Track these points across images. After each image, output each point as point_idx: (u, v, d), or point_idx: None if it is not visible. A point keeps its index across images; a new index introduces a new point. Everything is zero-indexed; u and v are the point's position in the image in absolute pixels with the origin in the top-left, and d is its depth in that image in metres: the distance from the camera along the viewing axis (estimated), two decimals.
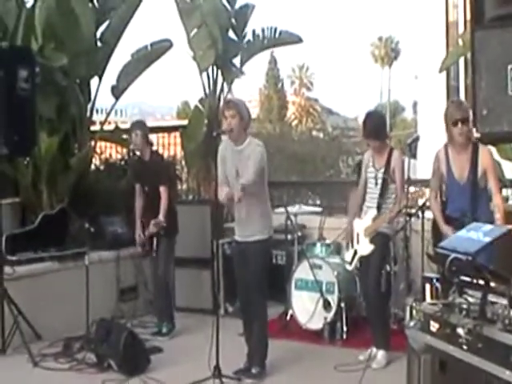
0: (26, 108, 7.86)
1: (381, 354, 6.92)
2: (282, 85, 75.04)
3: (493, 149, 7.43)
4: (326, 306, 7.74)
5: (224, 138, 6.99)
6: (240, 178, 6.51)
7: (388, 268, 8.21)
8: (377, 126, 7.17)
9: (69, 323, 7.76)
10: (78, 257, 8.21)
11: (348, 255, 7.35)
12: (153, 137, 9.15)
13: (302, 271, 8.05)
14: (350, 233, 7.33)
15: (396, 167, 7.04)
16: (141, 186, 8.37)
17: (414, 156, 7.13)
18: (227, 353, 6.56)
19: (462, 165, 6.25)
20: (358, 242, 7.22)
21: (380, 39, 75.94)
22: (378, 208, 7.07)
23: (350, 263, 7.29)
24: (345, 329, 7.70)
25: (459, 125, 6.02)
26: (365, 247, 7.11)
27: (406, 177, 6.86)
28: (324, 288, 7.85)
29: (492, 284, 4.00)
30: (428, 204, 7.15)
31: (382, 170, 7.09)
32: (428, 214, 8.55)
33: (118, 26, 10.69)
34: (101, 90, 10.64)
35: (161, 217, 8.02)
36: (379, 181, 7.10)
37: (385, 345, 6.97)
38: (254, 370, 6.70)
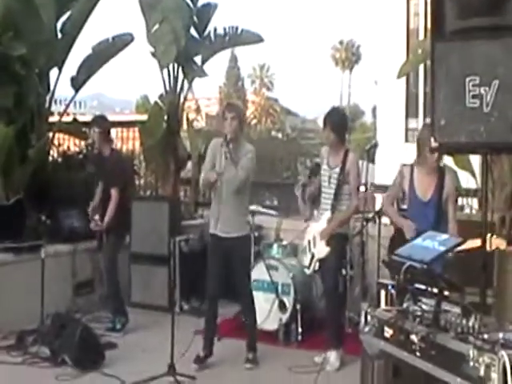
0: None
1: (334, 356, 6.92)
2: (243, 84, 75.04)
3: (450, 158, 7.60)
4: (282, 307, 7.79)
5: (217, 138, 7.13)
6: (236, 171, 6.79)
7: (344, 272, 8.29)
8: (341, 120, 7.17)
9: (23, 316, 7.66)
10: (34, 249, 8.11)
11: (306, 259, 7.30)
12: (112, 131, 9.10)
13: (258, 272, 8.08)
14: (304, 235, 7.38)
15: (351, 169, 7.00)
16: (100, 180, 8.39)
17: (372, 161, 7.23)
18: (181, 350, 6.63)
19: (427, 186, 6.43)
20: (314, 246, 7.18)
21: (341, 43, 76.16)
22: (333, 210, 7.03)
23: (308, 267, 7.25)
24: (300, 330, 7.73)
25: (435, 152, 6.11)
26: (321, 250, 7.08)
27: (361, 180, 7.03)
28: (280, 289, 7.90)
29: (446, 293, 4.08)
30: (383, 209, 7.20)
31: (337, 170, 7.03)
32: (384, 220, 8.67)
33: (79, 18, 10.60)
34: (60, 81, 10.58)
35: (106, 219, 8.04)
36: (333, 181, 7.05)
37: (337, 345, 6.99)
38: (250, 356, 7.04)
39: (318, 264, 7.16)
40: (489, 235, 5.62)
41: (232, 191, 6.86)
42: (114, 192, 8.06)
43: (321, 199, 7.21)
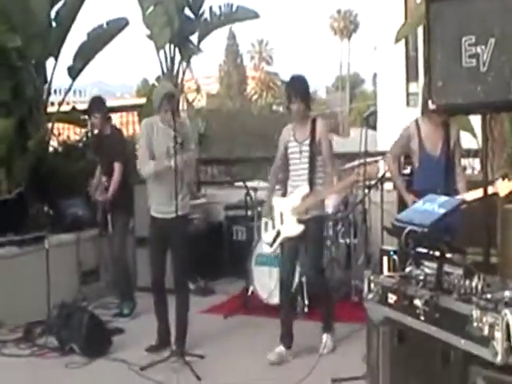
0: None
1: (327, 337, 6.68)
2: (242, 60, 74.88)
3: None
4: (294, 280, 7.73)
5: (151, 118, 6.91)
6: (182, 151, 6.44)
7: (348, 241, 8.27)
8: (307, 88, 6.68)
9: (30, 308, 7.66)
10: (38, 241, 8.11)
11: (268, 236, 6.85)
12: (112, 116, 9.06)
13: (262, 247, 8.02)
14: (269, 211, 6.84)
15: (322, 137, 6.55)
16: (100, 159, 8.36)
17: (373, 128, 7.13)
18: (189, 331, 6.65)
19: (435, 140, 6.40)
20: (282, 222, 6.71)
21: (339, 12, 75.94)
22: (311, 185, 6.54)
23: (271, 245, 6.80)
24: (306, 302, 7.70)
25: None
26: (292, 228, 6.60)
27: (333, 147, 6.70)
28: None
29: (447, 255, 4.03)
30: (388, 173, 7.10)
31: (307, 143, 6.55)
32: (387, 186, 8.61)
33: (72, 6, 10.61)
34: (58, 70, 10.54)
35: (110, 192, 8.01)
36: (305, 154, 6.55)
37: (331, 328, 6.75)
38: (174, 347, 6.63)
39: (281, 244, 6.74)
40: (500, 179, 5.63)
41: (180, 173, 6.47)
42: (117, 166, 8.02)
43: (290, 175, 6.72)
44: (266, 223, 6.89)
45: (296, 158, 6.60)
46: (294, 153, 6.61)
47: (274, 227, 6.77)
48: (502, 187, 5.67)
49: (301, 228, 6.51)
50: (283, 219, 6.68)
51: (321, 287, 6.82)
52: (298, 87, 6.59)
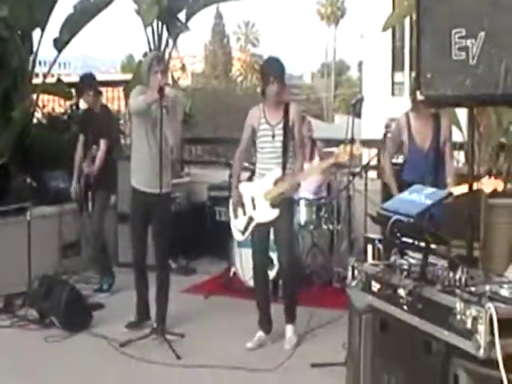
0: None
1: (291, 330, 6.50)
2: (228, 41, 74.63)
3: None
4: (269, 263, 7.75)
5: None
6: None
7: (331, 227, 8.29)
8: (283, 70, 6.46)
9: (10, 279, 7.66)
10: (20, 212, 8.06)
11: (240, 223, 6.66)
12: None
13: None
14: (240, 198, 6.63)
15: (295, 121, 6.40)
16: (84, 136, 8.31)
17: (358, 116, 7.13)
18: (169, 310, 6.67)
19: (425, 133, 6.41)
20: (254, 208, 6.53)
21: None
22: (284, 168, 6.39)
23: (243, 232, 6.63)
24: None
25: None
26: (265, 213, 6.43)
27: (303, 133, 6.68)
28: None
29: (432, 246, 4.07)
30: (381, 165, 7.13)
31: (280, 126, 6.37)
32: (371, 174, 8.65)
33: None
34: (44, 42, 10.45)
35: (95, 167, 8.02)
36: (278, 138, 6.36)
37: (293, 317, 6.55)
38: (155, 325, 6.58)
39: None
40: (486, 177, 5.70)
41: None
42: (102, 142, 8.03)
43: (258, 158, 6.55)
44: (235, 210, 6.70)
45: (267, 141, 6.42)
46: (266, 135, 6.43)
47: (244, 213, 6.60)
48: (486, 184, 5.74)
49: (275, 213, 6.36)
50: (255, 204, 6.52)
51: (289, 274, 6.60)
52: (276, 68, 6.41)
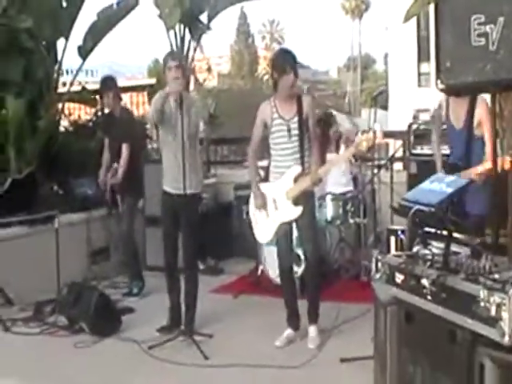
0: None
1: (314, 331, 6.40)
2: (253, 40, 74.85)
3: None
4: (297, 260, 7.71)
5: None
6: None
7: (358, 221, 8.24)
8: (296, 62, 6.24)
9: (40, 287, 7.65)
10: (48, 220, 8.11)
11: (263, 226, 6.47)
12: (123, 96, 9.06)
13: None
14: (263, 200, 6.39)
15: (309, 114, 6.21)
16: (108, 139, 8.36)
17: (384, 108, 7.07)
18: (198, 310, 6.66)
19: (460, 113, 6.37)
20: (276, 209, 6.36)
21: None
22: (302, 164, 6.20)
23: (268, 235, 6.45)
24: None
25: None
26: (290, 212, 6.26)
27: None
28: (294, 242, 7.82)
29: (455, 234, 4.02)
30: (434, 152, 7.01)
31: (296, 120, 6.18)
32: (397, 166, 8.60)
33: None
34: (69, 51, 10.55)
35: (119, 174, 8.02)
36: (294, 132, 6.16)
37: (316, 317, 6.45)
38: (183, 326, 6.59)
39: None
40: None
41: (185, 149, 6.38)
42: (125, 147, 8.01)
43: (273, 155, 6.35)
44: (256, 214, 6.51)
45: (283, 137, 6.21)
46: (281, 131, 6.21)
47: (267, 216, 6.41)
48: None
49: (299, 210, 6.20)
50: (277, 205, 6.34)
51: (315, 270, 6.47)
52: (290, 60, 6.18)
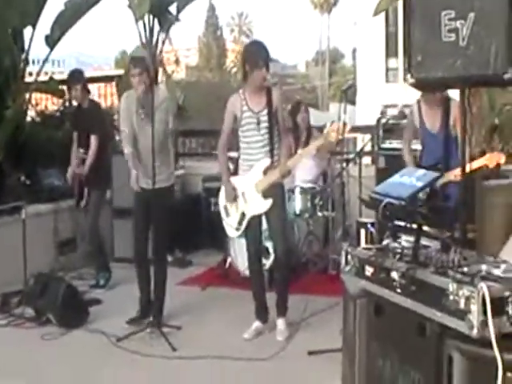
0: None
1: (282, 324, 6.41)
2: (221, 33, 74.64)
3: None
4: (265, 253, 7.70)
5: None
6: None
7: (326, 214, 8.25)
8: (268, 55, 6.20)
9: (6, 278, 7.59)
10: (15, 211, 8.04)
11: (233, 220, 6.46)
12: (90, 87, 9.00)
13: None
14: (234, 193, 6.39)
15: (278, 107, 6.19)
16: (77, 133, 8.31)
17: (352, 103, 7.10)
18: (166, 302, 6.69)
19: (434, 117, 6.48)
20: (245, 202, 6.34)
21: None
22: (272, 156, 6.21)
23: (238, 228, 6.42)
24: None
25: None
26: (259, 205, 6.25)
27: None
28: (262, 235, 7.82)
29: (425, 228, 4.04)
30: (403, 153, 7.03)
31: (265, 113, 6.15)
32: (366, 160, 8.64)
33: None
34: (36, 40, 10.43)
35: (86, 166, 8.00)
36: (263, 125, 6.14)
37: (285, 310, 6.45)
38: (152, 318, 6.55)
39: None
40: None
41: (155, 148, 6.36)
42: (93, 138, 7.99)
43: (242, 148, 6.36)
44: (225, 207, 6.51)
45: (253, 129, 6.19)
46: (251, 123, 6.19)
47: (237, 209, 6.40)
48: (490, 159, 5.87)
49: (269, 203, 6.19)
50: (246, 198, 6.33)
51: (283, 262, 6.42)
52: (264, 54, 6.15)
